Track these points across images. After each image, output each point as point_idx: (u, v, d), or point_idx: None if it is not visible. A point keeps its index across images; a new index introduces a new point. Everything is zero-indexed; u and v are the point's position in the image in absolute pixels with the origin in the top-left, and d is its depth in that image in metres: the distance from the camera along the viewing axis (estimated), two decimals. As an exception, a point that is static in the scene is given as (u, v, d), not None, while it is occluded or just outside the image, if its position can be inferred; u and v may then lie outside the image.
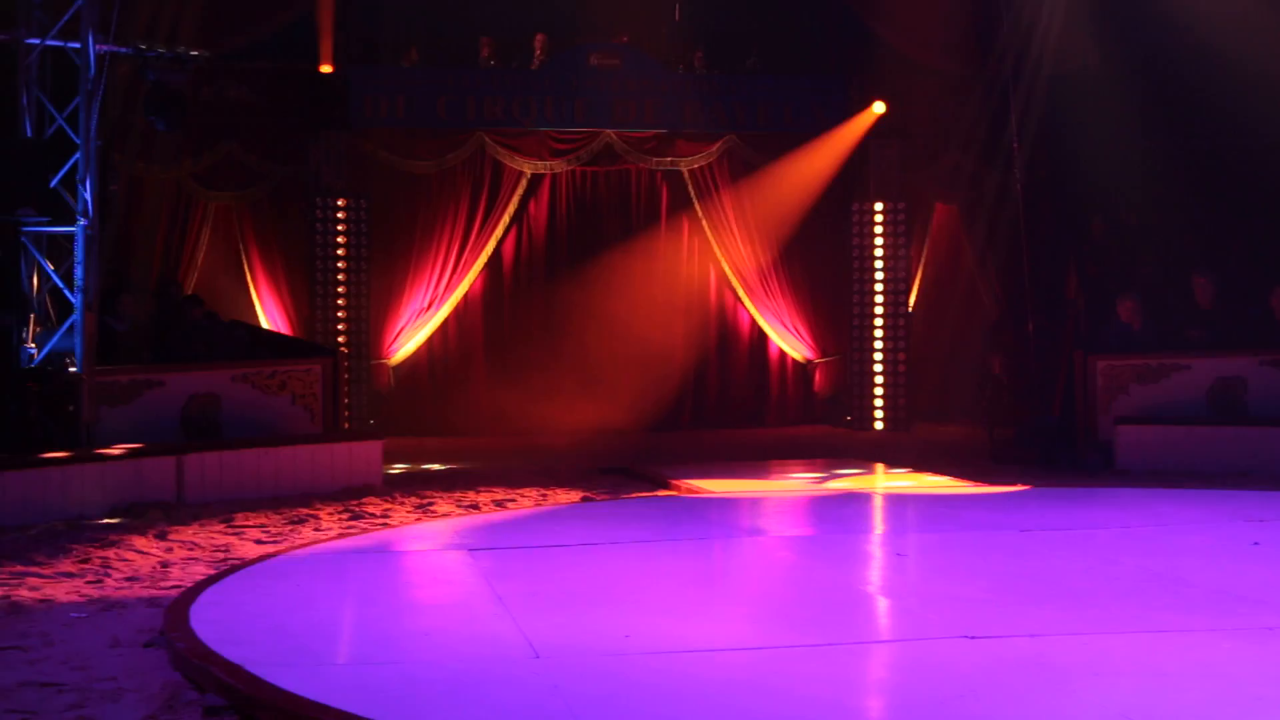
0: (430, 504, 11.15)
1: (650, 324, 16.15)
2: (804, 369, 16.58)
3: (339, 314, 15.21)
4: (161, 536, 9.74)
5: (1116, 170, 15.52)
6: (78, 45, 11.47)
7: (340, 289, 15.21)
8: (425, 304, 15.60)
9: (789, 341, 16.41)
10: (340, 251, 15.21)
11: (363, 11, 15.42)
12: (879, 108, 15.90)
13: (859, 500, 11.71)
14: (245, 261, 15.38)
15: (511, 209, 15.76)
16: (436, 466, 13.01)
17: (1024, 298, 14.63)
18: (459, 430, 15.63)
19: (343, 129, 15.19)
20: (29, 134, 11.58)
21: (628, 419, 15.95)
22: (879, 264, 16.18)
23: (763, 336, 16.53)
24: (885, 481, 12.74)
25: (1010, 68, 14.65)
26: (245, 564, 8.61)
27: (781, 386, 16.68)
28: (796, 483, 12.86)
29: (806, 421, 16.46)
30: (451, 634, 6.93)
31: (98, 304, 11.58)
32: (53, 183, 11.35)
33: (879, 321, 16.21)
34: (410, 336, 15.63)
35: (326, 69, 14.88)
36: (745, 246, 16.13)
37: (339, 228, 15.21)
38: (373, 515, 10.64)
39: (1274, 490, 11.34)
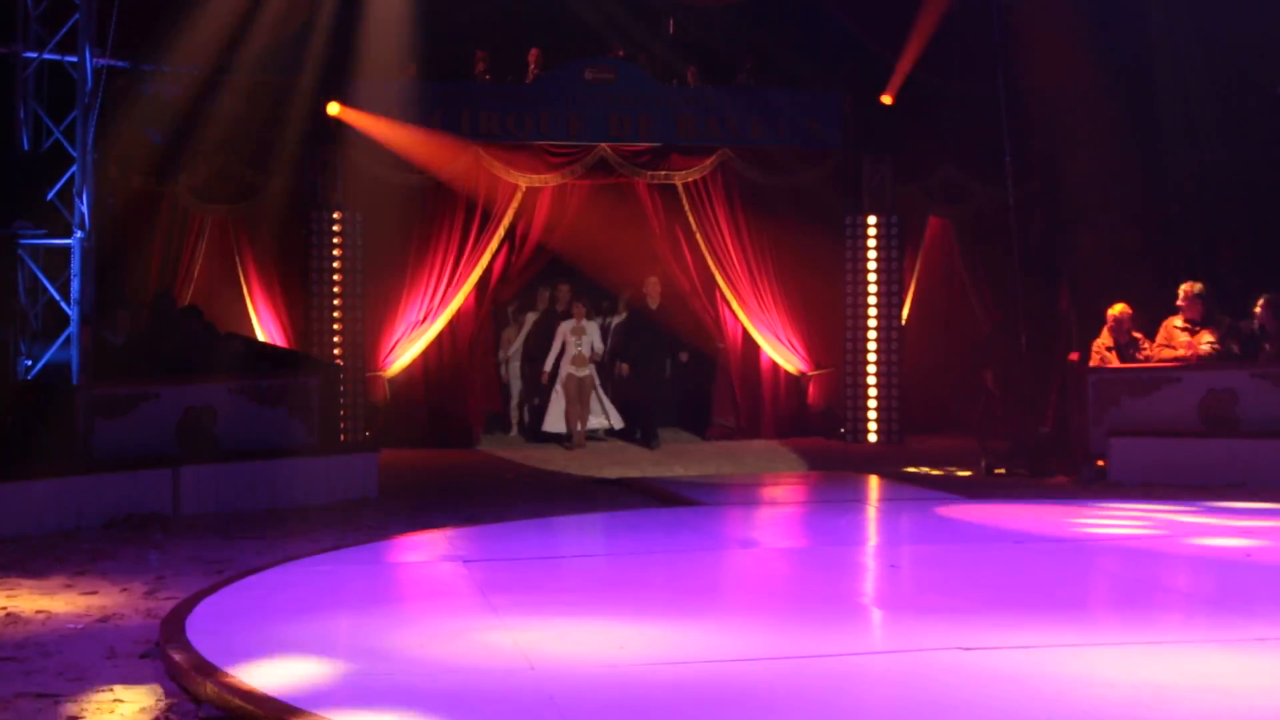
0: (425, 515, 11.17)
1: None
2: (798, 381, 16.61)
3: (335, 326, 15.23)
4: (158, 548, 9.76)
5: (1108, 184, 15.62)
6: (75, 59, 11.50)
7: (336, 301, 15.23)
8: (420, 316, 15.62)
9: (783, 354, 16.44)
10: (336, 264, 15.23)
11: (358, 27, 15.42)
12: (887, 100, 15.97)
13: (853, 512, 11.74)
14: (241, 274, 15.40)
15: (506, 222, 15.78)
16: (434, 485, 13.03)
17: (1016, 311, 14.67)
18: (454, 443, 15.66)
19: (338, 142, 15.22)
20: (26, 147, 11.61)
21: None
22: (872, 277, 16.22)
23: (756, 349, 16.56)
24: (879, 493, 12.77)
25: (1003, 82, 14.72)
26: (241, 575, 8.63)
27: (775, 399, 16.70)
28: (790, 495, 12.90)
29: (800, 434, 16.47)
30: (447, 645, 6.96)
31: (94, 316, 11.60)
32: (49, 195, 11.38)
33: (872, 334, 16.24)
34: (406, 349, 15.64)
35: (334, 109, 14.95)
36: (739, 259, 16.16)
37: (335, 240, 15.23)
38: (368, 527, 10.67)
39: (1265, 502, 11.38)
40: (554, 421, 15.77)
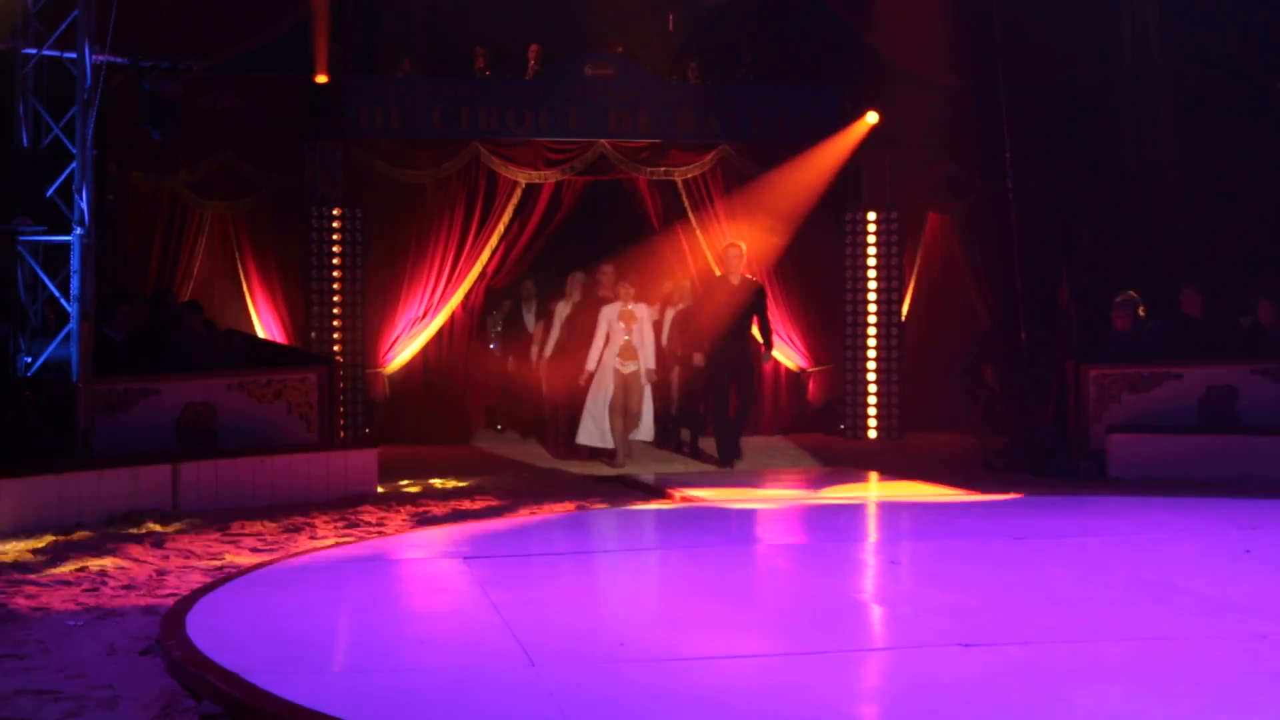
0: (426, 512, 11.17)
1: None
2: (798, 378, 16.60)
3: (334, 323, 15.22)
4: (157, 545, 9.75)
5: (1108, 180, 15.62)
6: (74, 55, 11.48)
7: (336, 298, 15.23)
8: (420, 313, 15.61)
9: (783, 350, 16.42)
10: (335, 260, 15.23)
11: (358, 21, 15.46)
12: (872, 118, 15.91)
13: (853, 509, 11.74)
14: (241, 271, 15.40)
15: (506, 218, 15.77)
16: (435, 481, 12.99)
17: (1016, 307, 14.68)
18: (454, 439, 15.65)
19: (338, 139, 15.22)
20: (25, 143, 11.59)
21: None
22: (872, 273, 16.22)
23: (756, 345, 16.53)
24: (879, 490, 12.77)
25: (1003, 78, 14.72)
26: (241, 572, 8.63)
27: (775, 395, 16.70)
28: (790, 491, 12.89)
29: (800, 430, 16.47)
30: (447, 642, 6.96)
31: (94, 313, 11.60)
32: (49, 192, 11.37)
33: (872, 331, 16.23)
34: (406, 345, 15.63)
35: (322, 78, 14.86)
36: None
37: (334, 237, 15.23)
38: (368, 524, 10.66)
39: (1265, 498, 11.39)
40: (588, 433, 13.78)
